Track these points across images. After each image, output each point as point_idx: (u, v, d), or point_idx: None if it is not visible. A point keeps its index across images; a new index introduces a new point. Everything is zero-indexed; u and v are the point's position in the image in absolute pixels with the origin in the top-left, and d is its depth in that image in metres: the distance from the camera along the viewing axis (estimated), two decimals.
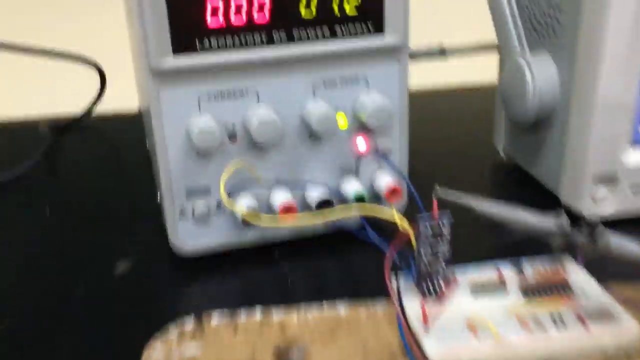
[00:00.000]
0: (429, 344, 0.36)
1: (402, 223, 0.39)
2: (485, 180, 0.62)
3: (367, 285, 0.44)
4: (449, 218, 0.38)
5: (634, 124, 0.49)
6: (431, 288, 0.39)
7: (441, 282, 0.39)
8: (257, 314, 0.41)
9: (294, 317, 0.41)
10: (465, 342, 0.36)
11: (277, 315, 0.41)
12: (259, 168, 0.46)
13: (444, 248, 0.39)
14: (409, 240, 0.39)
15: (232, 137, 0.45)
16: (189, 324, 0.40)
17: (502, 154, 0.62)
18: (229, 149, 0.45)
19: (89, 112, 0.76)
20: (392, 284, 0.38)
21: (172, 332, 0.40)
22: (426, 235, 0.38)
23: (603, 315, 0.37)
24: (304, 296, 0.44)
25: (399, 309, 0.35)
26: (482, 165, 0.64)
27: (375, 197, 0.49)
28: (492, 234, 0.42)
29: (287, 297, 0.44)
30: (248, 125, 0.44)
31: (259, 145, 0.45)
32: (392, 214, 0.40)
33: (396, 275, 0.41)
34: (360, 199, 0.47)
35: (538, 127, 0.55)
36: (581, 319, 0.37)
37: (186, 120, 0.44)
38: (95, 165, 0.68)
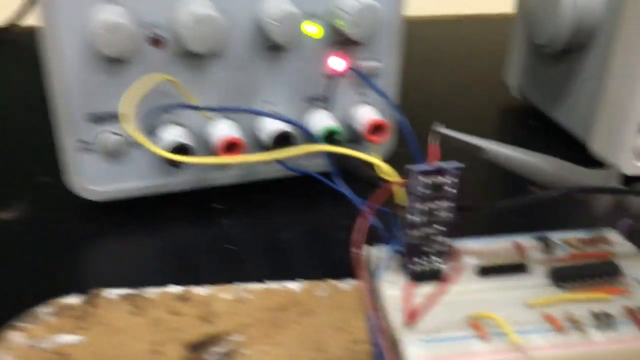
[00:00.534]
0: (411, 350, 0.24)
1: (387, 172, 0.27)
2: (492, 125, 0.50)
3: (334, 257, 0.32)
4: (456, 169, 0.26)
5: None
6: (422, 268, 0.28)
7: (438, 259, 0.28)
8: (174, 288, 0.30)
9: (227, 295, 0.29)
10: (464, 347, 0.24)
11: (203, 291, 0.30)
12: (194, 88, 0.33)
13: (445, 212, 0.27)
14: (395, 199, 0.27)
15: (155, 41, 0.32)
16: (75, 299, 0.29)
17: (515, 92, 0.50)
18: (150, 59, 0.32)
19: (13, 24, 0.62)
20: (365, 260, 0.26)
21: (46, 310, 0.28)
22: (420, 193, 0.26)
23: None
24: (246, 266, 0.32)
25: (368, 296, 0.23)
26: (489, 106, 0.52)
27: (354, 135, 0.37)
28: (512, 191, 0.30)
29: (222, 266, 0.32)
30: (178, 25, 0.31)
31: (193, 54, 0.32)
32: (373, 158, 0.28)
33: (372, 246, 0.29)
34: (331, 137, 0.35)
35: (567, 56, 0.43)
36: (635, 316, 0.26)
37: (88, 15, 0.31)
38: (13, 86, 0.55)
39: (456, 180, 0.26)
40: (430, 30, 0.69)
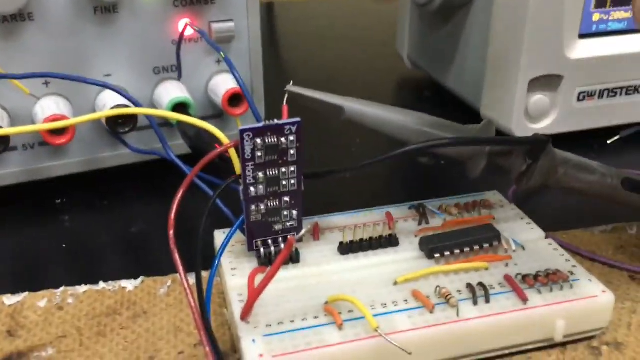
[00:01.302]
0: (248, 348, 0.20)
1: (220, 137, 0.23)
2: (386, 99, 0.46)
3: (187, 248, 0.28)
4: (293, 125, 0.21)
5: (584, 7, 0.34)
6: (267, 248, 0.23)
7: (285, 235, 0.23)
8: None
9: (42, 302, 0.24)
10: (312, 338, 0.20)
11: (12, 300, 0.24)
12: (7, 59, 0.28)
13: (289, 180, 0.22)
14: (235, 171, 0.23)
15: None
16: None
17: (406, 61, 0.47)
18: None
19: None
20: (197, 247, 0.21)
21: None
22: (254, 156, 0.21)
23: (550, 277, 0.22)
24: (86, 267, 0.27)
25: (185, 284, 0.19)
26: (384, 80, 0.48)
27: (214, 109, 0.32)
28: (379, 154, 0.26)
29: (59, 269, 0.27)
30: None
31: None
32: (203, 123, 0.23)
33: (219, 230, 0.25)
34: (183, 110, 0.30)
35: (451, 16, 0.39)
36: (513, 285, 0.22)
37: None
38: None
39: (295, 139, 0.21)
40: (327, 7, 0.65)
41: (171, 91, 0.31)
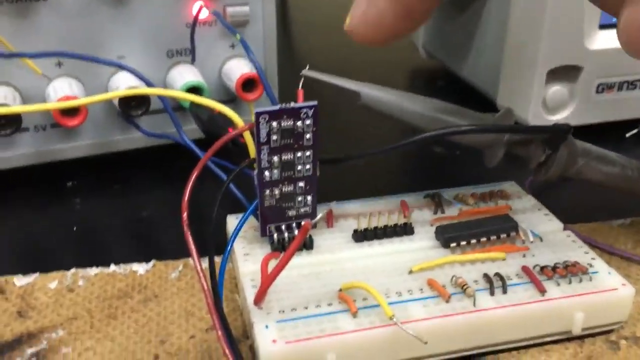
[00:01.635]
0: (261, 333, 0.19)
1: (235, 120, 0.22)
2: (400, 88, 0.45)
3: (200, 233, 0.27)
4: (309, 108, 0.21)
5: None
6: (281, 233, 0.23)
7: (299, 221, 0.23)
8: None
9: (53, 284, 0.24)
10: (326, 325, 0.20)
11: (23, 281, 0.24)
12: (19, 39, 0.28)
13: (304, 165, 0.22)
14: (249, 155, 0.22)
15: None
16: None
17: (421, 51, 0.46)
18: None
19: None
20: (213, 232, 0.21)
21: None
22: (270, 139, 0.21)
23: (569, 269, 0.22)
24: (98, 249, 0.27)
25: (198, 267, 0.18)
26: (398, 69, 0.48)
27: (228, 94, 0.32)
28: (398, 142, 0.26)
29: (72, 251, 0.27)
30: None
31: None
32: (218, 104, 0.23)
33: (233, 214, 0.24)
34: (193, 93, 0.30)
35: (468, 5, 0.39)
36: (531, 276, 0.22)
37: None
38: None
39: (311, 123, 0.21)
40: None
41: (184, 74, 0.30)
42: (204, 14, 0.30)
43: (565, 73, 0.34)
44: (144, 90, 0.28)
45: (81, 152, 0.31)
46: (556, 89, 0.35)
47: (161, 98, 0.30)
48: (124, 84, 0.29)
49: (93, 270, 0.25)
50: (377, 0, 0.19)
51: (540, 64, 0.34)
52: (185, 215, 0.19)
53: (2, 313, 0.23)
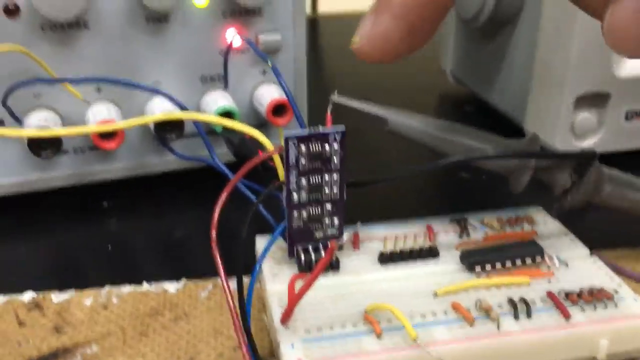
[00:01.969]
0: (287, 352, 0.20)
1: (266, 145, 0.23)
2: (427, 113, 0.46)
3: (230, 254, 0.28)
4: (338, 134, 0.22)
5: None
6: (308, 254, 0.23)
7: (326, 243, 0.23)
8: (25, 295, 0.25)
9: (88, 301, 0.25)
10: (351, 345, 0.20)
11: (60, 298, 0.25)
12: (61, 65, 0.29)
13: (332, 186, 0.23)
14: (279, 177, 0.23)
15: (9, 10, 0.28)
16: None
17: (449, 77, 0.47)
18: (5, 32, 0.28)
19: None
20: (241, 249, 0.22)
21: None
22: (299, 163, 0.22)
23: (594, 295, 0.22)
24: (131, 268, 0.28)
25: (225, 285, 0.19)
26: (426, 93, 0.48)
27: (260, 119, 0.33)
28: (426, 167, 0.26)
29: (104, 269, 0.28)
30: None
31: (54, 24, 0.28)
32: (250, 128, 0.24)
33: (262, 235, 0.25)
34: (225, 117, 0.31)
35: (497, 32, 0.39)
36: (556, 301, 0.22)
37: None
38: None
39: (339, 147, 0.22)
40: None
41: (217, 100, 0.31)
42: (237, 42, 0.31)
43: (593, 99, 0.35)
44: (178, 114, 0.29)
45: (117, 174, 0.32)
46: (584, 116, 0.35)
47: (195, 122, 0.31)
48: (159, 109, 0.30)
49: (126, 288, 0.26)
50: (382, 19, 0.20)
51: (568, 90, 0.34)
52: (214, 233, 0.20)
53: (40, 328, 0.24)
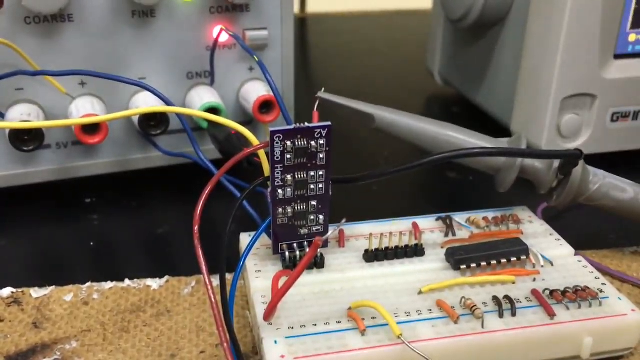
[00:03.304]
0: (269, 348, 0.20)
1: (251, 139, 0.23)
2: (412, 111, 0.46)
3: (212, 251, 0.28)
4: (323, 129, 0.21)
5: (620, 27, 0.34)
6: (292, 251, 0.23)
7: (310, 240, 0.23)
8: (4, 291, 0.25)
9: (68, 297, 0.25)
10: (334, 342, 0.20)
11: (39, 293, 0.25)
12: (45, 58, 0.29)
13: (318, 183, 0.22)
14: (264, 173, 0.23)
15: None
16: None
17: (437, 78, 0.47)
18: None
19: None
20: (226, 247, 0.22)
21: None
22: (284, 158, 0.21)
23: (579, 294, 0.22)
24: (114, 265, 0.28)
25: (207, 280, 0.19)
26: (413, 95, 0.48)
27: (247, 115, 0.33)
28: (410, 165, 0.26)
29: (87, 266, 0.28)
30: None
31: (39, 17, 0.28)
32: (234, 123, 0.23)
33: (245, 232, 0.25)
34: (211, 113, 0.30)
35: (484, 33, 0.39)
36: (541, 300, 0.22)
37: None
38: None
39: (325, 143, 0.22)
40: (361, 24, 0.65)
41: (203, 96, 0.31)
42: (224, 38, 0.31)
43: (579, 101, 0.35)
44: (163, 108, 0.29)
45: (101, 169, 0.32)
46: (570, 117, 0.35)
47: (180, 117, 0.30)
48: (144, 104, 0.30)
49: (108, 285, 0.25)
50: None
51: (554, 92, 0.34)
52: (196, 228, 0.20)
53: (18, 323, 0.23)
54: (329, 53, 0.58)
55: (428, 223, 0.26)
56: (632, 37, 0.35)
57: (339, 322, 0.21)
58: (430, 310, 0.21)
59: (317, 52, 0.60)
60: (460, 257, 0.23)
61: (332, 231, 0.22)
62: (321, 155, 0.22)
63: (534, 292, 0.22)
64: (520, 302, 0.22)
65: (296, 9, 0.48)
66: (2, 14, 0.28)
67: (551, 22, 0.33)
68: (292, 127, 0.21)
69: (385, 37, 0.62)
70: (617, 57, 0.35)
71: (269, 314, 0.20)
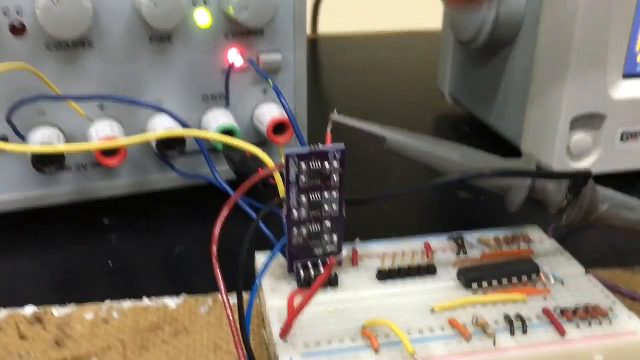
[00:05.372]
0: None
1: (266, 162, 0.23)
2: (423, 131, 0.47)
3: (230, 270, 0.29)
4: (338, 152, 0.22)
5: (629, 48, 0.35)
6: (307, 271, 0.24)
7: (325, 259, 0.24)
8: (27, 309, 0.25)
9: (89, 315, 0.25)
10: None
11: (61, 312, 0.25)
12: (66, 83, 0.30)
13: (332, 204, 0.23)
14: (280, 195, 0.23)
15: (15, 29, 0.28)
16: None
17: (447, 97, 0.47)
18: (11, 50, 0.29)
19: None
20: (241, 265, 0.22)
21: None
22: (299, 180, 0.22)
23: (590, 313, 0.22)
24: (132, 283, 0.28)
25: (225, 298, 0.19)
26: (424, 115, 0.49)
27: (261, 137, 0.33)
28: (424, 187, 0.26)
29: (105, 284, 0.28)
30: (36, 6, 0.28)
31: (60, 43, 0.29)
32: (251, 146, 0.24)
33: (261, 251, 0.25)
34: (226, 135, 0.31)
35: (494, 54, 0.40)
36: (552, 318, 0.22)
37: None
38: None
39: (339, 165, 0.22)
40: (372, 44, 0.66)
41: (219, 118, 0.32)
42: (239, 62, 0.32)
43: (589, 121, 0.35)
44: (180, 131, 0.29)
45: (119, 190, 0.33)
46: (580, 137, 0.35)
47: (197, 140, 0.31)
48: (162, 126, 0.31)
49: (127, 303, 0.26)
50: None
51: (564, 112, 0.35)
52: (214, 249, 0.20)
53: (41, 342, 0.24)
54: (340, 73, 0.59)
55: (440, 242, 0.27)
56: None
57: (353, 340, 0.21)
58: (443, 328, 0.22)
59: (329, 72, 0.60)
60: (471, 277, 0.24)
61: (346, 252, 0.23)
62: (335, 177, 0.22)
63: (545, 311, 0.23)
64: (532, 320, 0.22)
65: (308, 30, 0.49)
66: (25, 40, 0.29)
67: (560, 43, 0.34)
68: (306, 150, 0.22)
69: (396, 57, 0.63)
70: (626, 77, 0.35)
71: (285, 332, 0.21)
